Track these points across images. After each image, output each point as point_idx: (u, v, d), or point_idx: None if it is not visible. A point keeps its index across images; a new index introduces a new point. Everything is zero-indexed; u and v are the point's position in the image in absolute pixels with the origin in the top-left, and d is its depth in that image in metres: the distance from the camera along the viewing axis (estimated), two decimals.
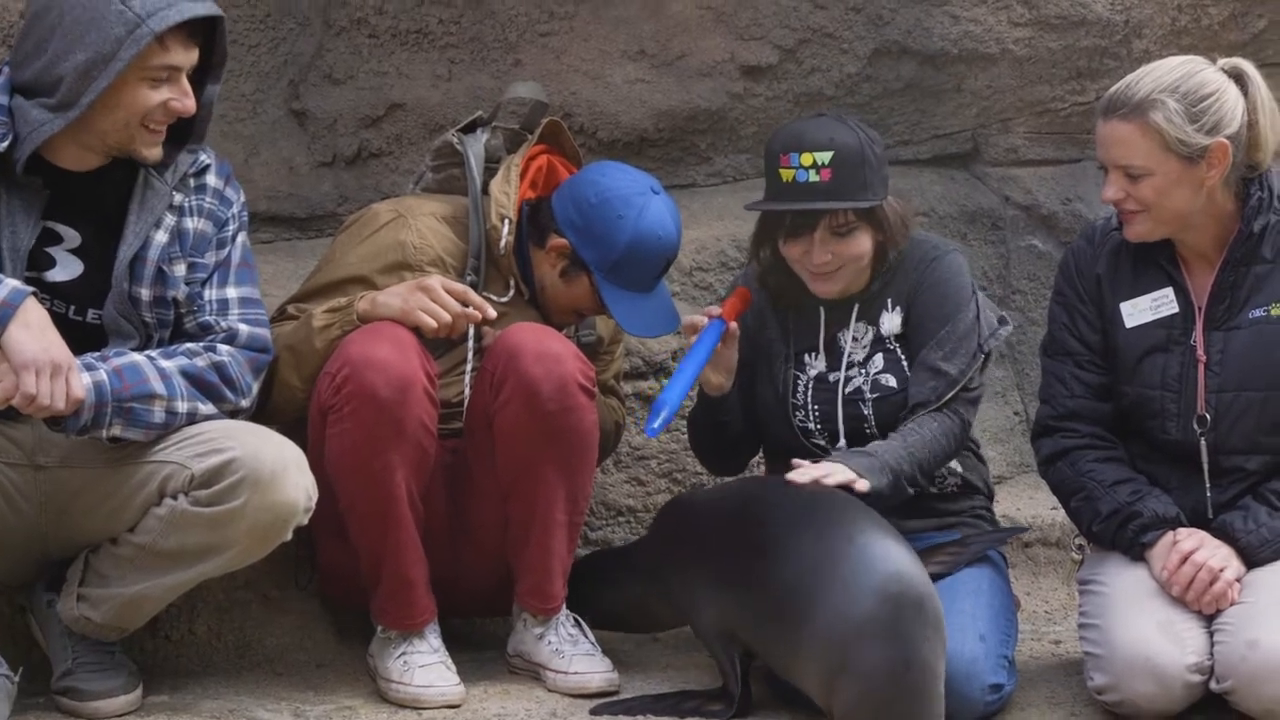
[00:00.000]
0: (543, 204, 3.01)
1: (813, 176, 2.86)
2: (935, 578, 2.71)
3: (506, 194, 2.96)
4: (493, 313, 2.85)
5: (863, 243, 2.91)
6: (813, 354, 3.00)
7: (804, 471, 2.77)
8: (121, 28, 2.54)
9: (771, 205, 2.92)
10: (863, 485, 2.74)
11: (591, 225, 2.93)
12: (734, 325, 2.92)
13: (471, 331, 2.91)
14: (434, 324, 2.79)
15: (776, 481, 2.83)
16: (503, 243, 2.94)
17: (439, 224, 2.97)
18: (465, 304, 2.83)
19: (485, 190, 3.00)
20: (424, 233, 2.95)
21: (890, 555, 2.58)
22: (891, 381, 2.95)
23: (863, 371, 2.97)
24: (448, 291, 2.81)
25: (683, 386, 2.82)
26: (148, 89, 2.59)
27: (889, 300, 2.97)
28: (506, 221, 2.94)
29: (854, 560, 2.58)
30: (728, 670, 2.78)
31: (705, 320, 2.88)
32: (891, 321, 2.97)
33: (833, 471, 2.76)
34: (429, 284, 2.82)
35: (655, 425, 2.78)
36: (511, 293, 2.99)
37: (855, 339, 2.98)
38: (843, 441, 2.96)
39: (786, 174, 2.88)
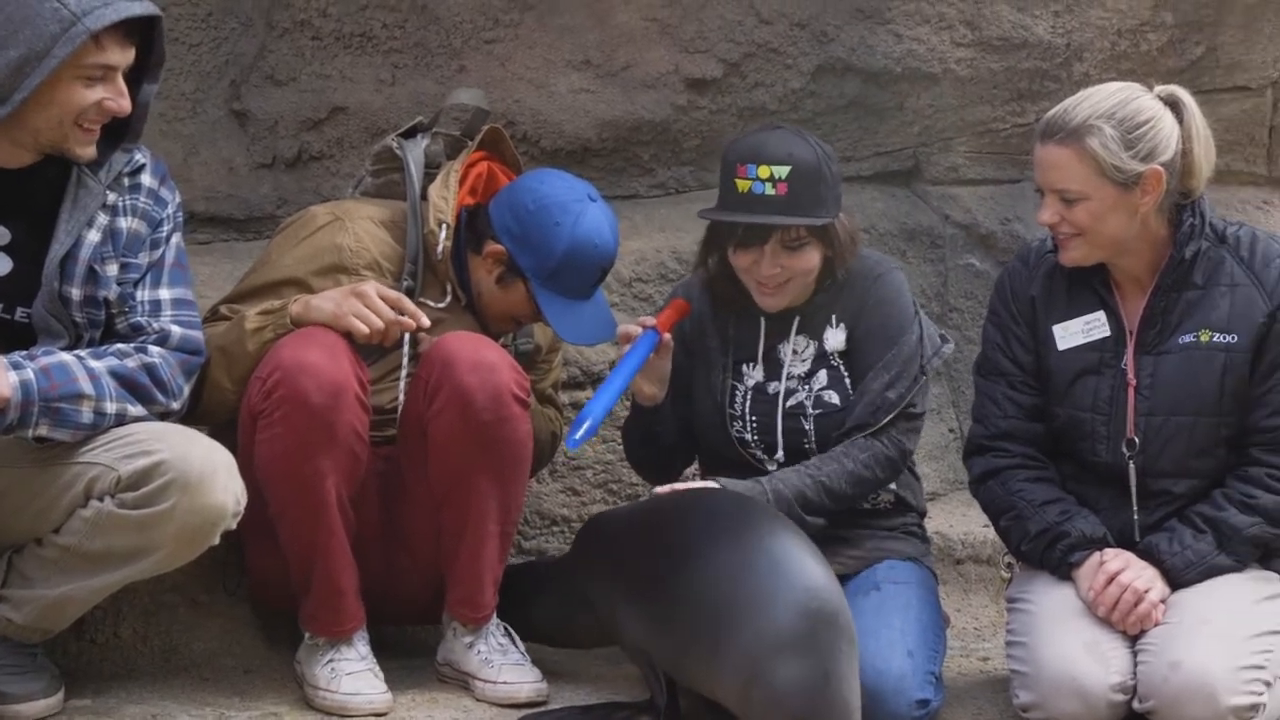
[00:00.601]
0: (480, 210, 3.00)
1: (769, 190, 2.86)
2: (841, 579, 2.73)
3: (445, 199, 2.96)
4: (426, 321, 2.84)
5: (812, 258, 2.92)
6: (750, 364, 3.01)
7: (666, 489, 2.84)
8: (56, 25, 2.51)
9: (725, 216, 2.92)
10: None
11: (528, 232, 2.93)
12: (668, 336, 2.92)
13: (407, 338, 2.90)
14: (366, 330, 2.78)
15: (690, 497, 2.82)
16: (440, 248, 2.93)
17: (376, 228, 2.96)
18: (400, 311, 2.81)
19: (424, 196, 2.99)
20: (361, 236, 2.94)
21: (805, 569, 2.58)
22: (834, 399, 2.97)
23: (805, 386, 2.98)
24: (382, 298, 2.80)
25: (609, 399, 2.82)
26: (82, 87, 2.56)
27: (833, 317, 2.98)
28: (444, 227, 2.93)
29: (769, 575, 2.57)
30: (654, 683, 2.78)
31: (639, 330, 2.89)
32: (836, 338, 2.98)
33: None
34: (363, 289, 2.80)
35: (577, 436, 2.78)
36: (448, 299, 2.98)
37: (795, 352, 2.99)
38: (780, 454, 2.96)
39: (742, 184, 2.88)
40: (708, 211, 2.96)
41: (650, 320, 2.91)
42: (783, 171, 2.85)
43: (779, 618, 2.53)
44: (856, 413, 2.93)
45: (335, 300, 2.80)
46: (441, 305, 2.96)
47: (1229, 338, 2.78)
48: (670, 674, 2.74)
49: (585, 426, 2.77)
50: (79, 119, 2.58)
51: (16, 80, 2.52)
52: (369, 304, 2.79)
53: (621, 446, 3.20)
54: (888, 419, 2.91)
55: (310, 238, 2.95)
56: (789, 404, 2.97)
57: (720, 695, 2.64)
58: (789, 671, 2.50)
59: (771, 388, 2.99)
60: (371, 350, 2.86)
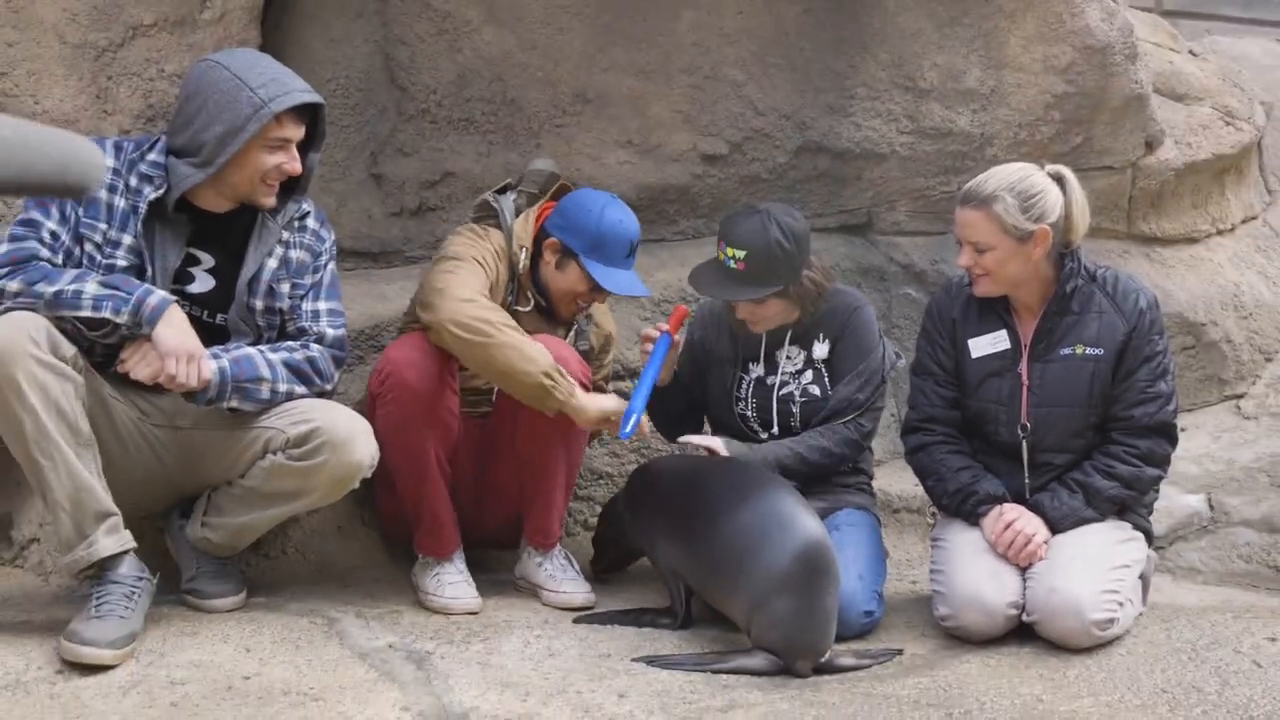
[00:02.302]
0: (540, 232, 2.99)
1: (733, 265, 2.84)
2: (821, 514, 2.72)
3: (525, 231, 2.96)
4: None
5: (775, 306, 2.90)
6: (754, 362, 3.00)
7: (689, 439, 2.86)
8: (250, 108, 2.55)
9: (698, 289, 2.91)
10: (724, 453, 2.80)
11: (570, 220, 2.92)
12: (678, 338, 2.91)
13: None
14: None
15: (718, 463, 2.81)
16: (520, 265, 2.93)
17: (494, 258, 2.94)
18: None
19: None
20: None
21: (805, 525, 2.56)
22: (816, 391, 2.96)
23: (795, 380, 2.97)
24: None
25: (644, 395, 2.79)
26: (266, 154, 2.59)
27: (820, 334, 2.97)
28: (524, 250, 2.93)
29: (776, 527, 2.55)
30: (675, 596, 2.78)
31: (657, 333, 2.87)
32: (821, 350, 2.96)
33: (711, 444, 2.82)
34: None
35: (627, 429, 2.75)
36: (531, 305, 2.97)
37: (789, 357, 2.98)
38: (775, 429, 2.96)
39: (720, 255, 2.87)
40: (695, 275, 2.93)
41: (665, 325, 2.89)
42: (740, 254, 2.83)
43: (782, 562, 2.52)
44: (832, 405, 2.92)
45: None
46: (527, 309, 2.96)
47: (1097, 351, 2.77)
48: (695, 590, 2.73)
49: (632, 421, 2.74)
50: (264, 177, 2.61)
51: (221, 148, 2.55)
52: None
53: (649, 423, 3.20)
54: (856, 413, 2.92)
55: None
56: (782, 393, 2.96)
57: (732, 613, 2.64)
58: (784, 604, 2.50)
59: (769, 380, 2.97)
60: None
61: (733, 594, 2.59)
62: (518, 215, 3.03)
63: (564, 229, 2.93)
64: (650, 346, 2.86)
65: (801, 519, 2.56)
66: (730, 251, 2.84)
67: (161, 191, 2.56)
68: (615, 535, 3.03)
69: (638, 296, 3.09)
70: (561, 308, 2.98)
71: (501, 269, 2.90)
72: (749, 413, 2.99)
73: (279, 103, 2.55)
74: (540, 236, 2.98)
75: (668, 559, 2.79)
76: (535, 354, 2.71)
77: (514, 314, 2.89)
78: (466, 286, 2.74)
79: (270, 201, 2.65)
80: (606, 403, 2.80)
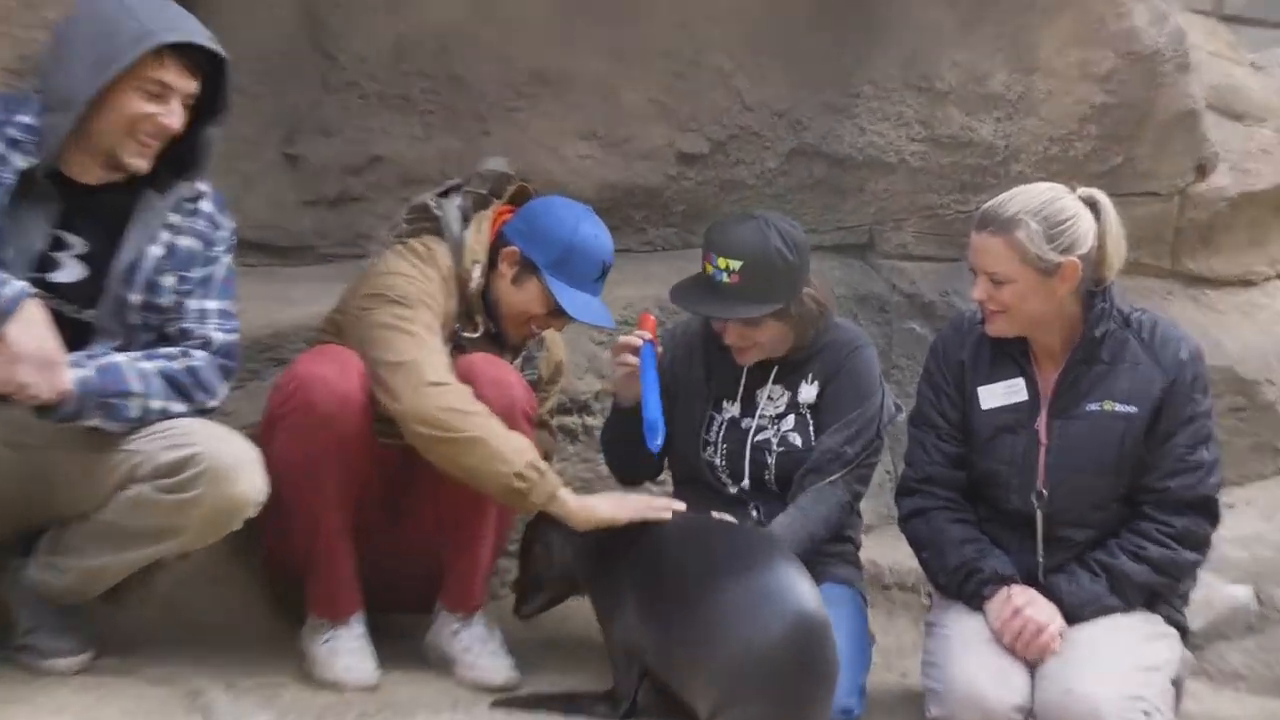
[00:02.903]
0: (497, 239, 2.94)
1: (725, 278, 2.81)
2: None
3: (480, 243, 2.90)
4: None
5: (770, 329, 2.87)
6: (730, 400, 2.96)
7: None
8: (128, 37, 2.48)
9: (684, 305, 2.90)
10: None
11: (537, 228, 2.88)
12: (660, 348, 2.90)
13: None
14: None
15: (704, 519, 2.74)
16: (473, 284, 2.87)
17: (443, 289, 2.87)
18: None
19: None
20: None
21: (802, 597, 2.51)
22: (797, 441, 2.92)
23: (774, 426, 2.92)
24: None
25: (658, 403, 2.79)
26: (140, 99, 2.52)
27: (809, 375, 2.93)
28: (476, 266, 2.87)
29: (768, 602, 2.49)
30: (623, 677, 2.69)
31: (639, 341, 2.85)
32: (808, 393, 2.93)
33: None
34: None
35: (659, 441, 2.77)
36: (480, 331, 2.91)
37: (771, 398, 2.94)
38: (746, 481, 2.91)
39: (708, 268, 2.84)
40: (677, 290, 2.92)
41: (644, 334, 2.86)
42: (736, 265, 2.80)
43: (773, 638, 2.46)
44: (815, 459, 2.88)
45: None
46: (475, 335, 2.90)
47: (1129, 408, 2.74)
48: (657, 673, 2.65)
49: (660, 431, 2.76)
50: (134, 128, 2.53)
51: (88, 83, 2.48)
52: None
53: (600, 463, 3.15)
54: (843, 471, 2.87)
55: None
56: (757, 439, 2.92)
57: (694, 701, 2.56)
58: (761, 706, 2.44)
59: (744, 423, 2.94)
60: None
61: (700, 680, 2.52)
62: (465, 223, 2.96)
63: (528, 238, 2.89)
64: (629, 357, 2.84)
65: (797, 587, 2.51)
66: (723, 262, 2.81)
67: (37, 161, 2.50)
68: (547, 576, 2.90)
69: (599, 326, 3.05)
70: (511, 330, 2.94)
71: (449, 301, 2.85)
72: (717, 459, 2.94)
73: (165, 35, 2.49)
74: (497, 243, 2.93)
75: (625, 629, 2.69)
76: (510, 448, 2.64)
77: (459, 340, 2.84)
78: (432, 364, 2.67)
79: (141, 164, 2.58)
80: (603, 508, 2.71)
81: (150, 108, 2.53)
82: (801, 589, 2.52)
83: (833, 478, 2.86)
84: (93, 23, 2.51)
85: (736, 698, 2.46)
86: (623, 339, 2.89)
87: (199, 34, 2.54)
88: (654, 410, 2.78)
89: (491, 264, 2.91)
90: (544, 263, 2.86)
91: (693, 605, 2.55)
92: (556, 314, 2.89)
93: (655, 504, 2.72)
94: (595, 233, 2.90)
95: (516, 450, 2.65)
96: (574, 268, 2.87)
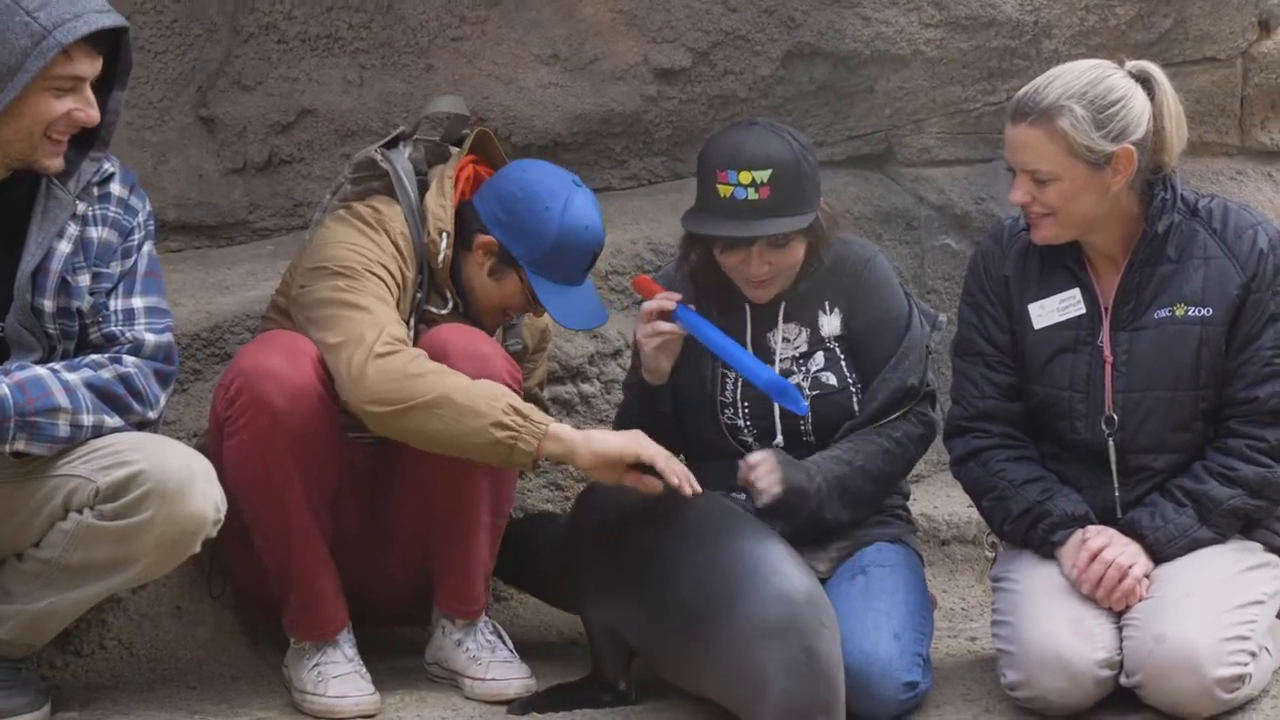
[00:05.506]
0: (465, 207, 2.96)
1: (751, 194, 2.84)
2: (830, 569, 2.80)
3: (443, 207, 2.91)
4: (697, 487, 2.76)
5: (798, 251, 2.91)
6: None
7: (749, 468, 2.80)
8: (27, 39, 2.50)
9: (712, 230, 2.88)
10: (765, 499, 2.79)
11: (518, 220, 2.90)
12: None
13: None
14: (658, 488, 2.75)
15: (677, 497, 2.79)
16: (440, 257, 2.89)
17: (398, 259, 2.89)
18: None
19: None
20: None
21: (779, 566, 2.62)
22: (832, 380, 2.95)
23: (801, 368, 2.96)
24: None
25: (755, 359, 2.85)
26: (52, 99, 2.55)
27: (825, 303, 2.97)
28: (444, 235, 2.89)
29: (751, 573, 2.60)
30: (612, 666, 2.82)
31: (671, 304, 2.87)
32: (831, 324, 2.97)
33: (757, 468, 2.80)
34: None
35: (804, 402, 2.87)
36: (449, 305, 2.95)
37: (786, 339, 2.97)
38: (780, 438, 2.95)
39: (724, 189, 2.85)
40: (691, 221, 2.92)
41: (674, 295, 2.88)
42: (764, 175, 2.83)
43: (763, 608, 2.55)
44: (882, 400, 2.92)
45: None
46: (444, 311, 2.93)
47: (1204, 311, 2.77)
48: (658, 671, 2.75)
49: (794, 387, 2.83)
50: (48, 130, 2.57)
51: None
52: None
53: None
54: (914, 401, 2.93)
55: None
56: None
57: (706, 688, 2.65)
58: (771, 652, 2.53)
59: None
60: None
61: (706, 663, 2.62)
62: (421, 179, 2.97)
63: (506, 228, 2.91)
64: (663, 324, 2.85)
65: (779, 560, 2.63)
66: (746, 176, 2.83)
67: None
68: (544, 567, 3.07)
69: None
70: (486, 319, 2.98)
71: (407, 269, 2.87)
72: (740, 421, 2.97)
73: (68, 30, 2.51)
74: (464, 214, 2.94)
75: (604, 617, 2.82)
76: (480, 396, 2.65)
77: (426, 316, 2.87)
78: (381, 334, 2.68)
79: (57, 164, 2.61)
80: (613, 442, 2.73)
81: (64, 105, 2.56)
82: (775, 556, 2.64)
83: (903, 411, 2.91)
84: None
85: (744, 667, 2.55)
86: (649, 304, 2.88)
87: (98, 12, 2.54)
88: (761, 367, 2.81)
89: (459, 233, 2.93)
90: (526, 259, 2.90)
91: (669, 589, 2.67)
92: (539, 305, 2.94)
93: (676, 468, 2.75)
94: (586, 217, 2.91)
95: (488, 397, 2.65)
96: (561, 265, 2.91)
